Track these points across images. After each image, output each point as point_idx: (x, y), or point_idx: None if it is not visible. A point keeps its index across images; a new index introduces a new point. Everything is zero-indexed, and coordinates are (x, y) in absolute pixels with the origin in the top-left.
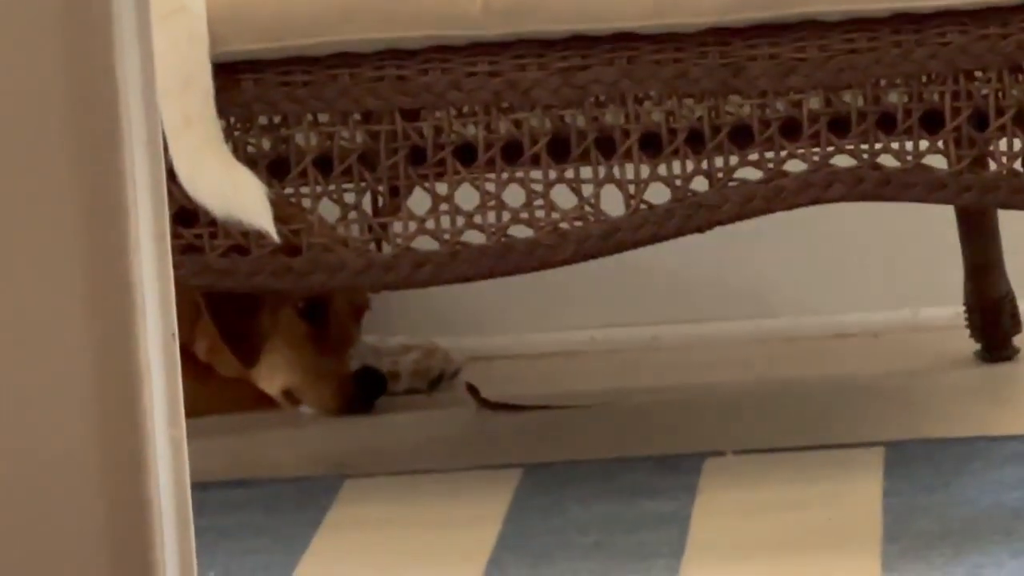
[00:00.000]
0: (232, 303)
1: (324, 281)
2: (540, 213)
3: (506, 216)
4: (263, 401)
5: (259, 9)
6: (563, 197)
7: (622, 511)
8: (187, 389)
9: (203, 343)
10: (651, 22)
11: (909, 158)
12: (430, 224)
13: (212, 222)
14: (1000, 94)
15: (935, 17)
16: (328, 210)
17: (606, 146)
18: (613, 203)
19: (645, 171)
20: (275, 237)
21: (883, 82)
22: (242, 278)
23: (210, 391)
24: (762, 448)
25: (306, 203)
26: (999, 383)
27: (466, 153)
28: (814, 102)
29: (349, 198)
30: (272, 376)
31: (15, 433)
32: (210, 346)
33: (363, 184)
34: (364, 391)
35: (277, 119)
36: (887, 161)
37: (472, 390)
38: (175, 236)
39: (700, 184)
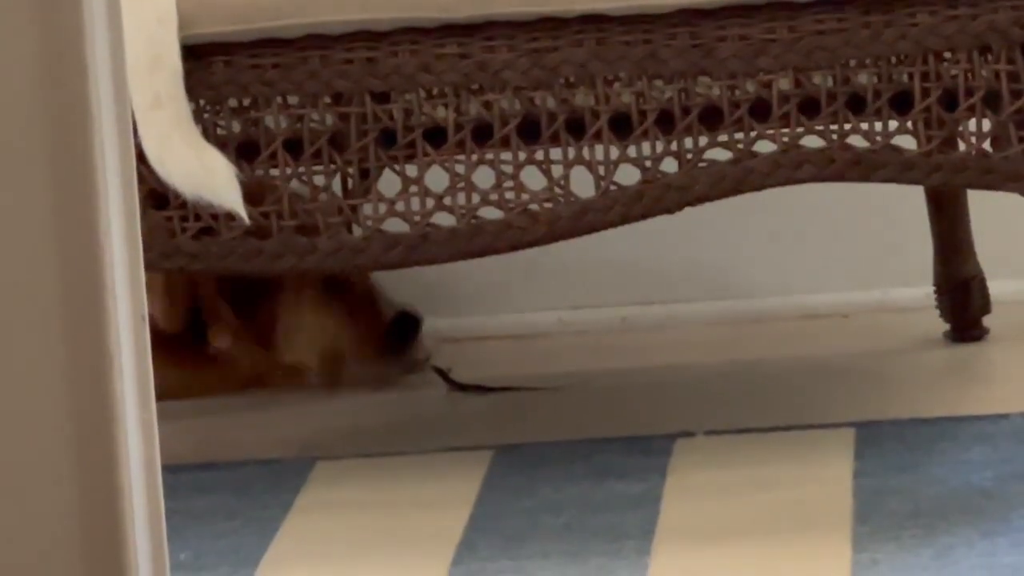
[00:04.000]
0: (249, 289)
1: (294, 263)
2: (510, 195)
3: (476, 198)
4: (249, 382)
5: None
6: (533, 179)
7: (593, 492)
8: (171, 372)
9: (224, 336)
10: (621, 3)
11: (879, 139)
12: (400, 206)
13: (183, 204)
14: (969, 75)
15: None
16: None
17: (576, 128)
18: (583, 185)
19: (615, 152)
20: (245, 218)
21: (853, 63)
22: (213, 261)
23: (195, 373)
24: (732, 429)
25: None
26: (969, 364)
27: (436, 135)
28: (784, 83)
29: (319, 180)
30: (309, 350)
31: None
32: (234, 338)
33: (333, 166)
34: (399, 334)
35: (247, 101)
36: (857, 142)
37: (440, 372)
38: (145, 218)
39: (670, 165)
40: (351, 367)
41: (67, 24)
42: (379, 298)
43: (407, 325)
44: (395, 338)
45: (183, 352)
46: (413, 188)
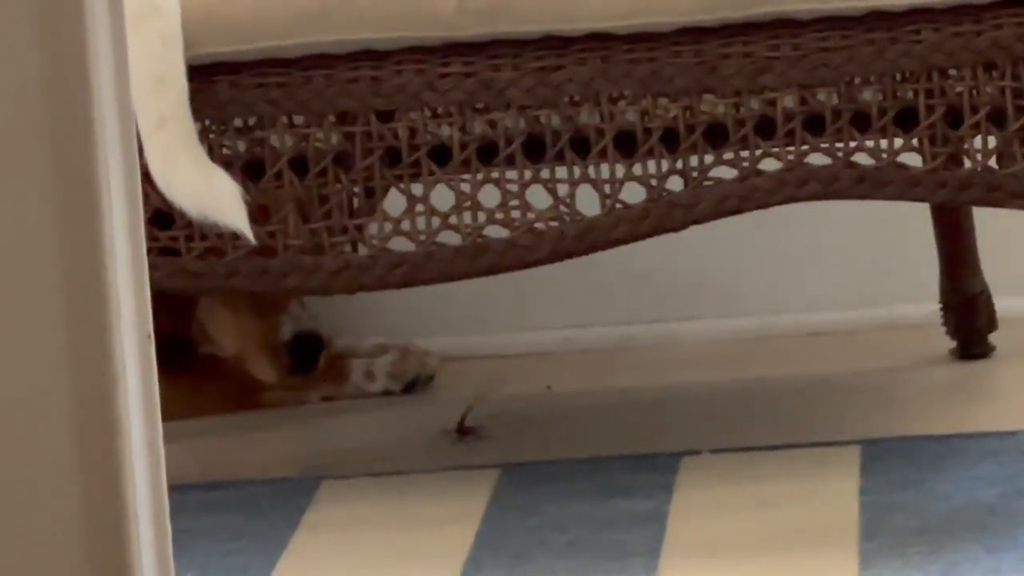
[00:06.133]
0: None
1: (300, 282)
2: (515, 213)
3: (481, 217)
4: (250, 401)
5: (233, 11)
6: (538, 197)
7: (599, 510)
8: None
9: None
10: (625, 22)
11: (884, 156)
12: (405, 225)
13: (188, 224)
14: (974, 92)
15: (908, 15)
16: None
17: (581, 146)
18: (588, 203)
19: (620, 171)
20: (251, 238)
21: (857, 80)
22: (218, 280)
23: (193, 391)
24: (738, 447)
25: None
26: (974, 381)
27: (441, 154)
28: (788, 101)
29: (324, 199)
30: (224, 339)
31: None
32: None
33: (338, 185)
34: (298, 357)
35: (252, 121)
36: (862, 159)
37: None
38: (151, 238)
39: (675, 183)
40: (260, 372)
41: (71, 45)
42: (280, 312)
43: (304, 347)
44: (297, 357)
45: (181, 368)
46: (418, 207)
